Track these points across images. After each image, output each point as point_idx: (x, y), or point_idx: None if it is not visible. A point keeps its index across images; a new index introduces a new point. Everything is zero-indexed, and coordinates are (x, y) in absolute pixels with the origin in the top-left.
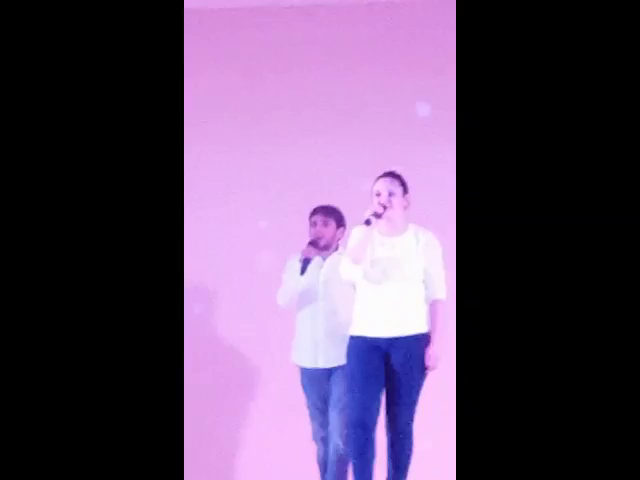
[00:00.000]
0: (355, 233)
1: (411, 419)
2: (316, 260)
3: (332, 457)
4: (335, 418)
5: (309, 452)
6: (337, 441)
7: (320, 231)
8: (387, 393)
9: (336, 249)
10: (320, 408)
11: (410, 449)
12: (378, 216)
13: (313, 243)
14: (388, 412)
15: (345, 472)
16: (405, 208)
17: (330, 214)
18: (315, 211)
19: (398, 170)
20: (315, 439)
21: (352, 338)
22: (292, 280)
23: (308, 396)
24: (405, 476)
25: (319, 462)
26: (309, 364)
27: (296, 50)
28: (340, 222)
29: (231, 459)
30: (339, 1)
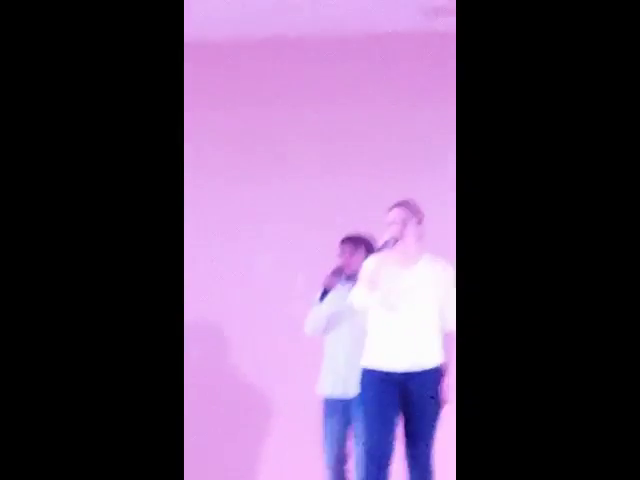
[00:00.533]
0: (368, 262)
1: (431, 453)
2: (342, 288)
3: None
4: (360, 452)
5: None
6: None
7: (346, 260)
8: (405, 428)
9: None
10: (330, 439)
11: None
12: (391, 244)
13: (336, 272)
14: (408, 448)
15: None
16: (419, 238)
17: (359, 243)
18: (344, 240)
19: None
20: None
21: (366, 370)
22: (314, 308)
23: (324, 424)
24: None
25: None
26: (328, 392)
27: (297, 83)
28: (370, 251)
29: None
30: (343, 33)
